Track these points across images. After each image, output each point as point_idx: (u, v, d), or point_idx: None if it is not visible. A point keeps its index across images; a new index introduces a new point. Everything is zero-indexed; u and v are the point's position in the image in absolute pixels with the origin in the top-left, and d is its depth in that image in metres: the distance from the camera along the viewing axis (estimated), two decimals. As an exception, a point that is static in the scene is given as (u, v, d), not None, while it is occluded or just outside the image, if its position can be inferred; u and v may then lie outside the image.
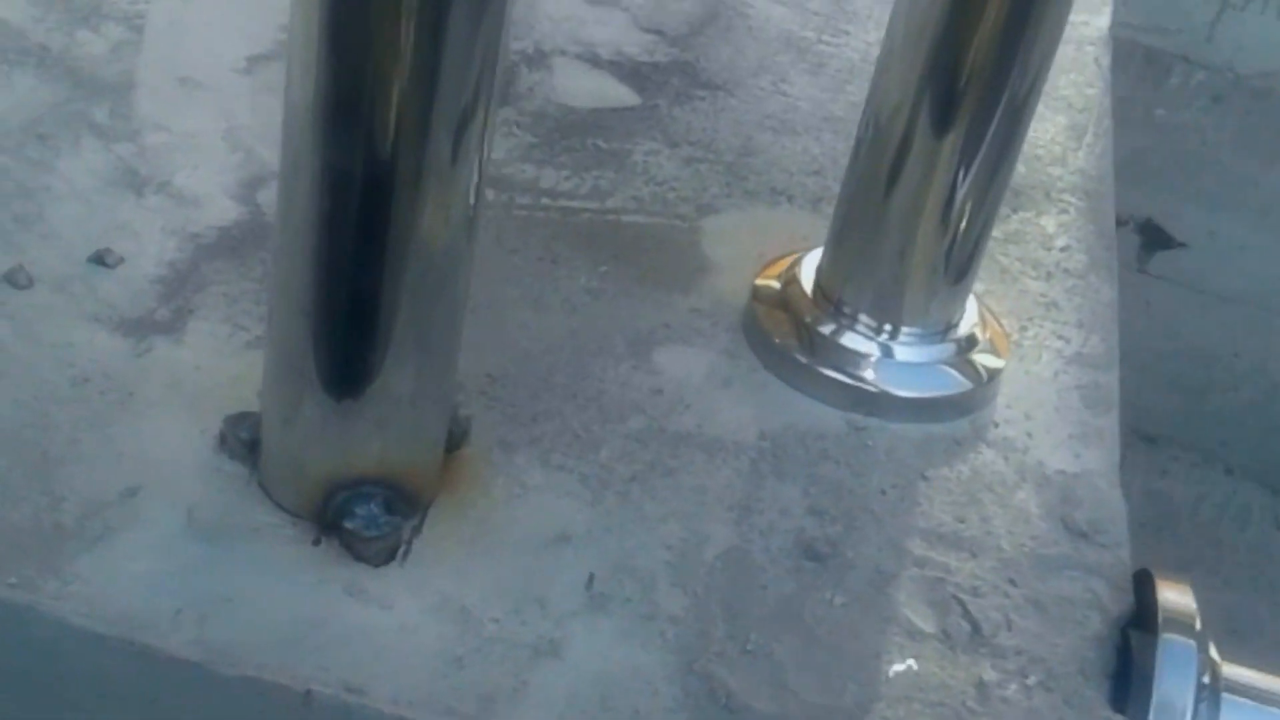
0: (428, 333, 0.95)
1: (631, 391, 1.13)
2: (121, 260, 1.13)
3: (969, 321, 1.21)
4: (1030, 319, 1.28)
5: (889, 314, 1.17)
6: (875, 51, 1.17)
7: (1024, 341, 1.26)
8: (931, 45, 1.10)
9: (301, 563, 0.97)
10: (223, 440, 1.02)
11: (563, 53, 1.44)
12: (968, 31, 1.08)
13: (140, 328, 1.09)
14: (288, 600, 0.94)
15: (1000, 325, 1.24)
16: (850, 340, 1.18)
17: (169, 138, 1.26)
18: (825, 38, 1.60)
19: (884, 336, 1.18)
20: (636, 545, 1.02)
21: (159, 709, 0.93)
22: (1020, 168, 1.44)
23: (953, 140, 1.12)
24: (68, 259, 1.13)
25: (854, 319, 1.18)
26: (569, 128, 1.36)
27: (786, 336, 1.18)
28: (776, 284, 1.22)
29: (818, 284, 1.20)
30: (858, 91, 1.35)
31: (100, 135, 1.24)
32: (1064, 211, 1.41)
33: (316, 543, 0.98)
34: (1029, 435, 1.17)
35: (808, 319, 1.19)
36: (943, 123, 1.12)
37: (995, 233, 1.34)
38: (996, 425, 1.18)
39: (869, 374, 1.17)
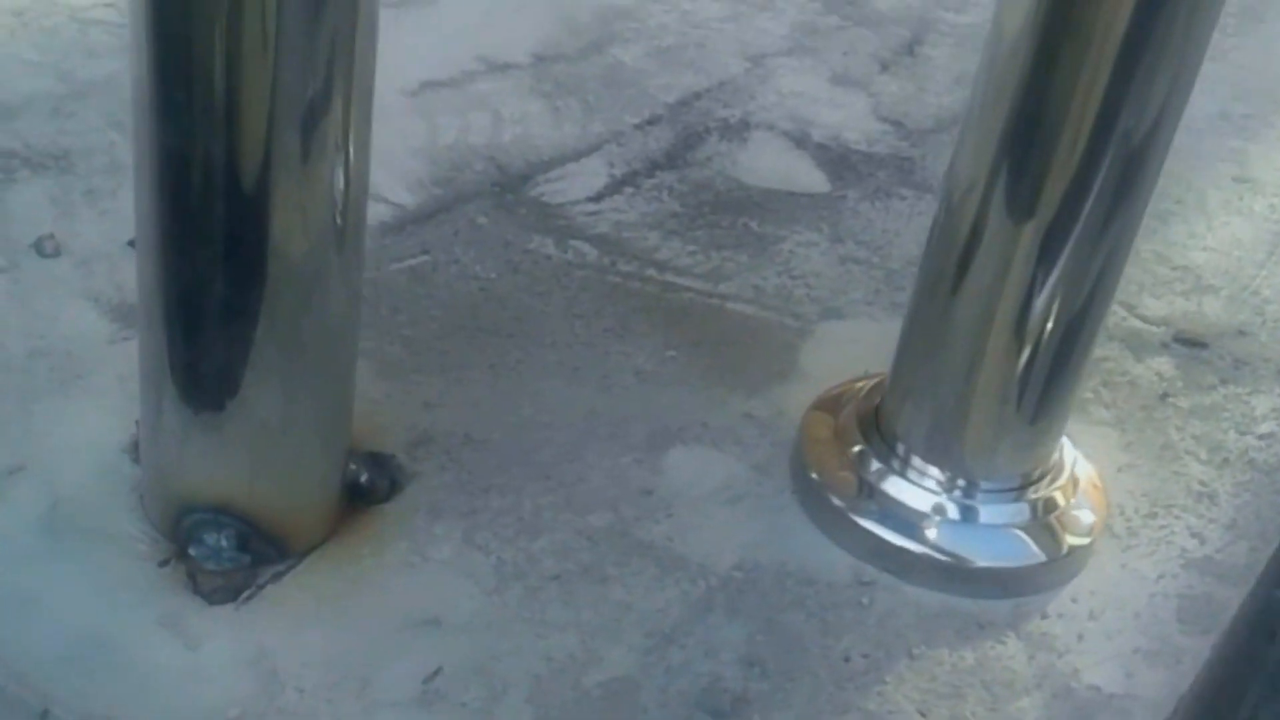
0: (294, 349, 0.87)
1: (615, 486, 1.00)
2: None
3: (1055, 480, 1.00)
4: (1169, 507, 1.05)
5: (945, 452, 0.98)
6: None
7: (1143, 529, 1.03)
8: (1013, 105, 0.87)
9: (133, 581, 0.90)
10: (134, 444, 0.97)
11: (770, 128, 1.31)
12: (1059, 85, 0.85)
13: (130, 316, 1.05)
14: (91, 615, 0.88)
15: (1103, 495, 1.02)
16: (893, 486, 0.99)
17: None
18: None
19: (932, 482, 0.99)
20: (512, 649, 0.89)
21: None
22: (1243, 315, 1.20)
23: (1034, 227, 0.89)
24: (106, 237, 1.11)
25: (905, 459, 0.99)
26: (727, 204, 1.23)
27: (823, 467, 1.01)
28: (836, 405, 1.05)
29: (877, 411, 1.02)
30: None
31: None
32: (1292, 396, 1.16)
33: (164, 564, 0.91)
34: (1080, 638, 0.95)
35: (852, 452, 1.01)
36: (1021, 204, 0.89)
37: (1181, 401, 1.12)
38: (1045, 616, 0.97)
39: (898, 523, 0.98)
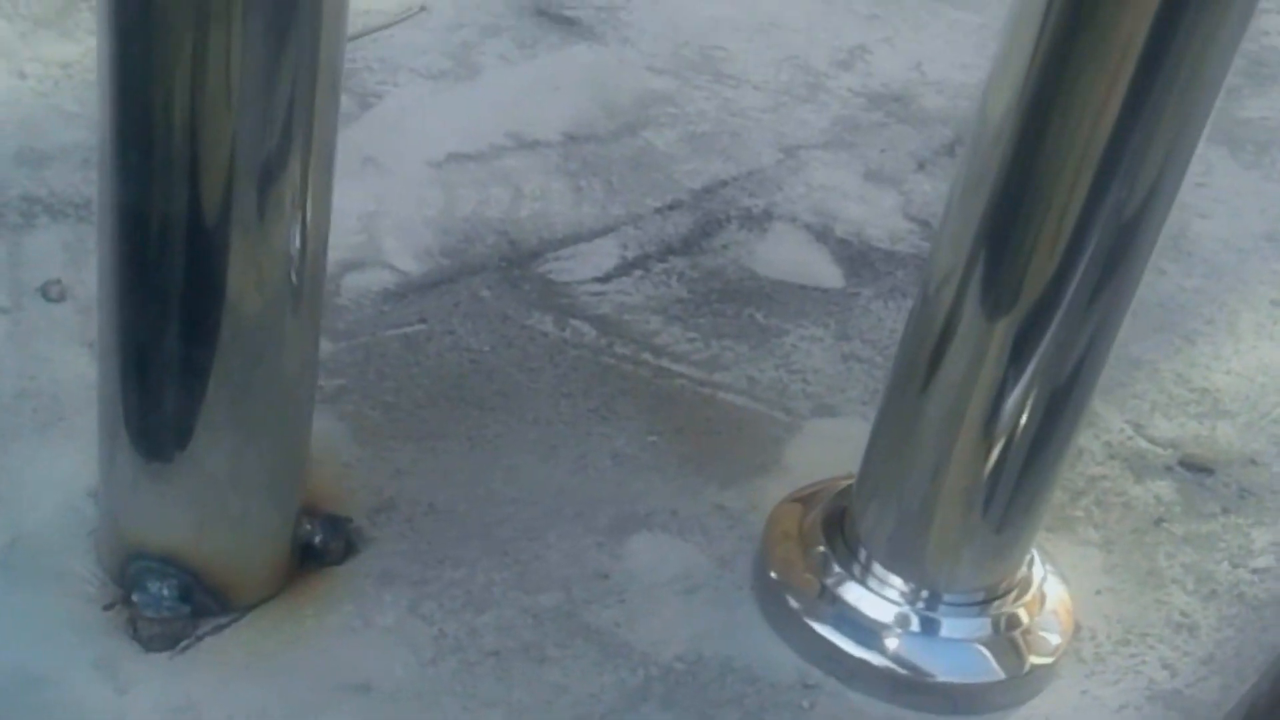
0: (246, 405, 0.87)
1: (572, 567, 0.99)
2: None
3: (1021, 595, 0.98)
4: (1144, 635, 1.02)
5: (907, 557, 0.96)
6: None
7: (1112, 655, 1.00)
8: (994, 192, 0.84)
9: (76, 621, 0.91)
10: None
11: (793, 220, 1.30)
12: (1042, 168, 0.82)
13: (119, 363, 1.06)
14: (30, 651, 0.89)
15: (1071, 615, 1.00)
16: (852, 592, 0.98)
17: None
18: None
19: (893, 591, 0.97)
20: (436, 722, 0.89)
21: None
22: (1257, 443, 1.16)
23: (1006, 325, 0.86)
24: (109, 285, 1.12)
25: (866, 565, 0.97)
26: (736, 293, 1.23)
27: (784, 566, 1.00)
28: (803, 504, 1.04)
29: (843, 510, 1.01)
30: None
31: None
32: (1294, 529, 1.12)
33: (108, 608, 0.92)
34: (1025, 763, 0.93)
35: (814, 552, 1.00)
36: (996, 297, 0.86)
37: (1176, 528, 1.09)
38: (993, 738, 0.94)
39: (854, 630, 0.96)
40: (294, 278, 0.85)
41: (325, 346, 1.12)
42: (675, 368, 1.15)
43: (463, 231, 1.24)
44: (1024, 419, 0.90)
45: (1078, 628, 1.01)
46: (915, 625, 0.96)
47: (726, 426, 1.12)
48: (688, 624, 0.97)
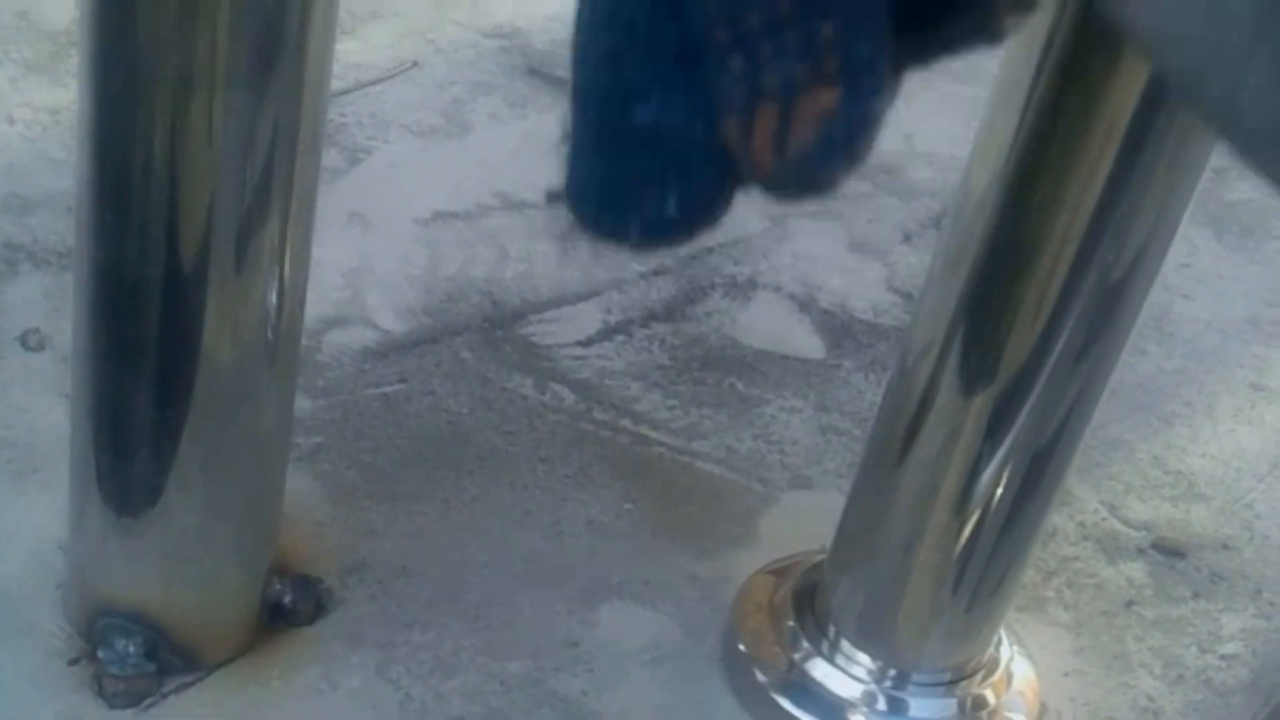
0: (219, 463, 0.87)
1: (542, 636, 0.99)
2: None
3: (988, 676, 0.98)
4: (1109, 719, 1.02)
5: (877, 636, 0.96)
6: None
7: (1077, 741, 1.00)
8: (975, 262, 0.83)
9: (41, 676, 0.91)
10: (71, 539, 0.98)
11: (776, 289, 1.31)
12: (1025, 238, 0.81)
13: (96, 414, 1.07)
14: (-10, 705, 0.89)
15: (1037, 697, 1.00)
16: (819, 669, 0.98)
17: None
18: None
19: (860, 669, 0.97)
20: (399, 789, 0.89)
21: None
22: (1230, 528, 1.16)
23: (982, 401, 0.86)
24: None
25: (835, 641, 0.98)
26: (716, 361, 1.23)
27: (753, 640, 1.00)
28: (776, 577, 1.04)
29: (814, 585, 1.01)
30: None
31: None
32: (1264, 616, 1.12)
33: (73, 662, 0.92)
34: (986, 845, 0.93)
35: (784, 627, 1.00)
36: (975, 370, 0.86)
37: (1147, 611, 1.09)
38: (956, 822, 0.94)
39: (820, 708, 0.96)
40: (270, 334, 0.85)
41: (304, 404, 1.12)
42: (654, 435, 1.16)
43: (446, 291, 1.24)
44: (998, 495, 0.89)
45: (1044, 709, 1.01)
46: (882, 704, 0.96)
47: (703, 496, 1.12)
48: (655, 694, 0.97)
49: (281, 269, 0.83)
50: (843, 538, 0.98)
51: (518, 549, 1.05)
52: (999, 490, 0.89)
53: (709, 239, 1.33)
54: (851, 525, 0.97)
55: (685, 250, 1.33)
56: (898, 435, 0.91)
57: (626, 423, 1.16)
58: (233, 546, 0.91)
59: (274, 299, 0.84)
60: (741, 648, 1.00)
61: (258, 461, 0.90)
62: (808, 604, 1.00)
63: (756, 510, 1.12)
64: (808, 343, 1.28)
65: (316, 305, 1.20)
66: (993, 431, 0.87)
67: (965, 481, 0.89)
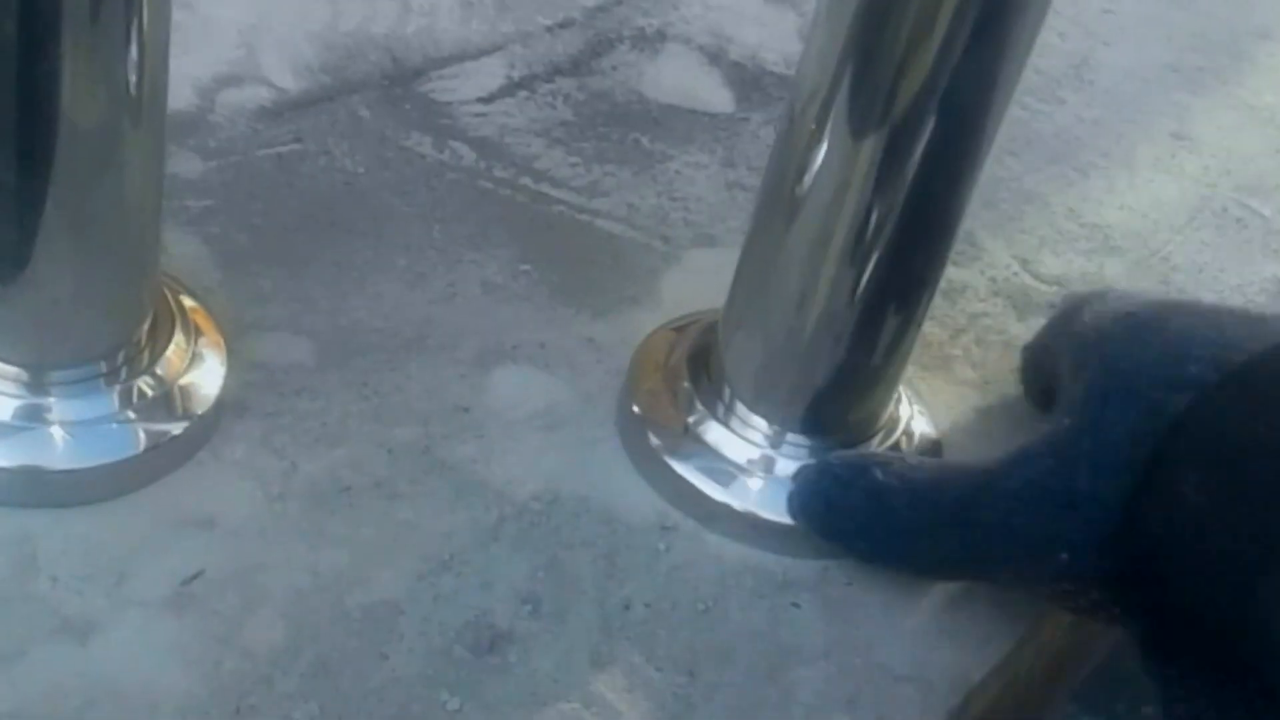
0: (86, 228, 0.84)
1: (432, 401, 0.98)
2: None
3: (888, 436, 0.97)
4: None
5: (771, 397, 0.94)
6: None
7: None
8: (859, 4, 0.80)
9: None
10: None
11: (686, 41, 1.27)
12: None
13: None
14: None
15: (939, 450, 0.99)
16: (712, 432, 0.96)
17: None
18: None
19: (755, 434, 0.96)
20: (280, 560, 0.88)
21: None
22: (1145, 281, 1.14)
23: (873, 143, 0.82)
24: None
25: (730, 405, 0.96)
26: (621, 117, 1.19)
27: (648, 403, 0.98)
28: (679, 336, 1.02)
29: (711, 345, 0.99)
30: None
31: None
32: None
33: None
34: (886, 609, 0.92)
35: (679, 389, 0.98)
36: (863, 115, 0.82)
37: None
38: (851, 583, 0.94)
39: (714, 471, 0.95)
40: (132, 90, 0.81)
41: (195, 165, 1.09)
42: (554, 193, 1.13)
43: (345, 47, 1.20)
44: (890, 243, 0.86)
45: (943, 470, 1.00)
46: (776, 467, 0.95)
47: (603, 256, 1.10)
48: (546, 461, 0.96)
49: (140, 20, 0.79)
50: (736, 295, 0.96)
51: (409, 313, 1.02)
52: (891, 238, 0.86)
53: (619, -11, 1.29)
54: (744, 281, 0.95)
55: (594, 2, 1.28)
56: (788, 185, 0.88)
57: (526, 181, 1.13)
58: (105, 313, 0.89)
59: (134, 53, 0.80)
60: (636, 410, 0.98)
61: (127, 223, 0.87)
62: (703, 365, 0.98)
63: (658, 270, 1.10)
64: (716, 96, 1.24)
65: (210, 64, 1.17)
66: (884, 174, 0.84)
67: (857, 230, 0.86)
